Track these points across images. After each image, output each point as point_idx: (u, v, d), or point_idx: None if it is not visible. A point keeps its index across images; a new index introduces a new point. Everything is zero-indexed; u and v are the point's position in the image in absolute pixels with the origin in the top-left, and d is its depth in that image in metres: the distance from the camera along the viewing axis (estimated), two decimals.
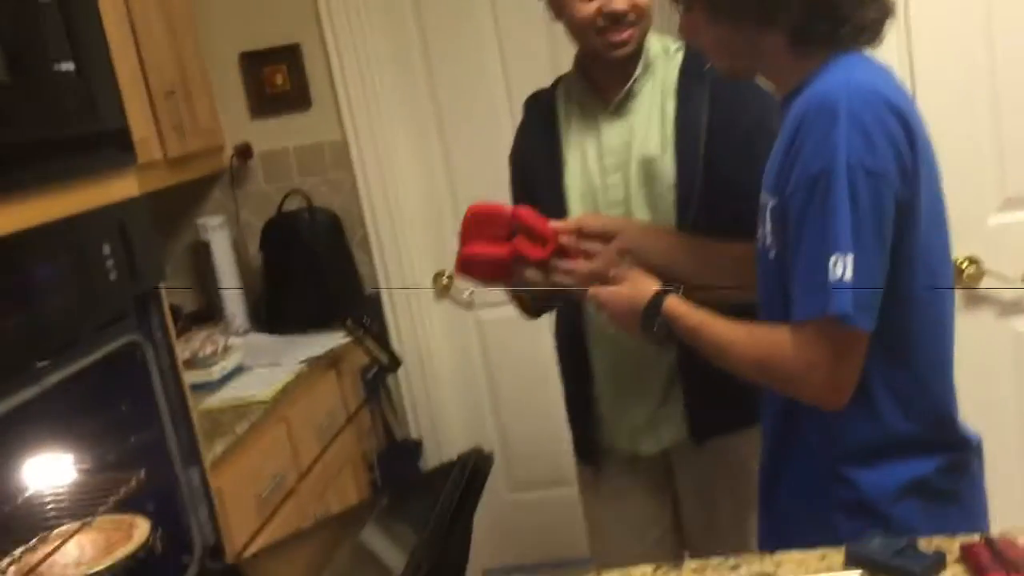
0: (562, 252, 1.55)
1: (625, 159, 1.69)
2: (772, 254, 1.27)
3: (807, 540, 1.20)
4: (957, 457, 1.29)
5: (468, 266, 1.63)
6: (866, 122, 1.15)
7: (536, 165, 1.78)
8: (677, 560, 1.20)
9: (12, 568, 1.31)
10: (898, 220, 1.18)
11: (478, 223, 1.61)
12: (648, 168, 1.66)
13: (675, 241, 1.59)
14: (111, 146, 1.51)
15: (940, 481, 1.26)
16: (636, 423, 1.76)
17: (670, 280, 1.46)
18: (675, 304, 1.37)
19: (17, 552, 1.33)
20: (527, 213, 1.58)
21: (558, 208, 1.70)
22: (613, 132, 1.70)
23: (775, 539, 1.33)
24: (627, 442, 1.79)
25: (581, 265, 1.54)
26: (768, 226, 1.27)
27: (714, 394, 1.68)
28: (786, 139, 1.23)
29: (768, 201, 1.27)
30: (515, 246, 1.56)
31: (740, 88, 1.61)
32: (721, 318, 1.32)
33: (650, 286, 1.41)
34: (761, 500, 1.43)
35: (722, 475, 1.77)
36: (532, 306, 1.83)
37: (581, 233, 1.57)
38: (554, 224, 1.57)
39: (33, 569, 1.32)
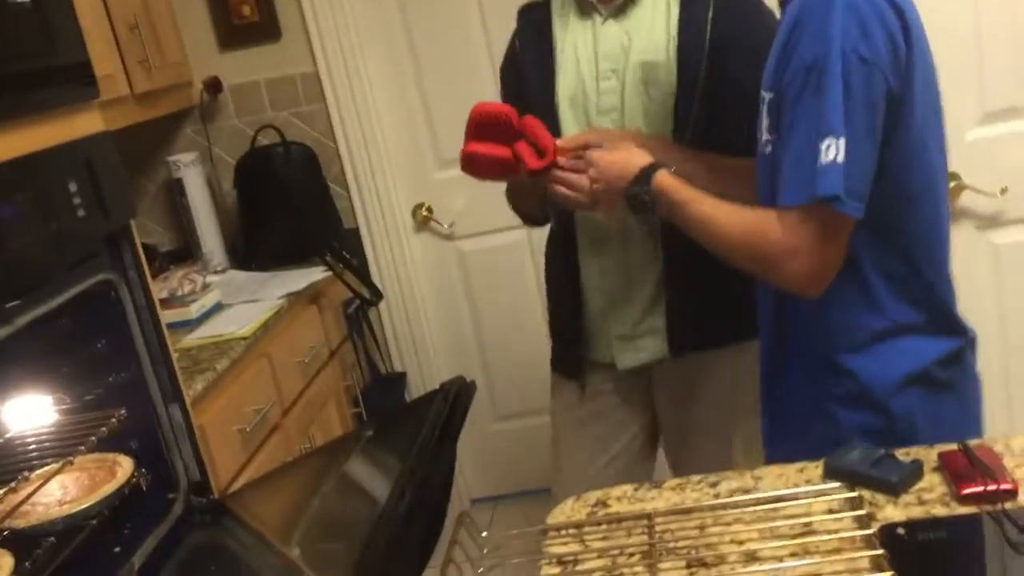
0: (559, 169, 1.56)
1: (622, 64, 1.66)
2: (768, 149, 1.27)
3: (809, 434, 1.22)
4: (955, 347, 1.30)
5: (472, 163, 1.62)
6: (862, 12, 1.15)
7: (528, 72, 1.76)
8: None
9: None
10: (891, 111, 1.18)
11: (483, 123, 1.60)
12: (647, 74, 1.64)
13: (684, 156, 1.57)
14: (72, 81, 1.47)
15: (939, 372, 1.28)
16: (618, 335, 1.77)
17: None
18: (666, 177, 1.38)
19: (0, 492, 1.33)
20: (534, 122, 1.57)
21: (549, 114, 1.69)
22: (610, 37, 1.67)
23: (778, 436, 1.35)
24: (607, 354, 1.80)
25: (578, 178, 1.52)
26: (765, 121, 1.28)
27: (697, 309, 1.71)
28: (784, 34, 1.23)
29: (766, 96, 1.27)
30: (516, 149, 1.57)
31: (741, 4, 1.61)
32: (709, 196, 1.33)
33: (644, 157, 1.43)
34: (763, 399, 1.45)
35: (700, 388, 1.79)
36: (533, 215, 1.83)
37: (587, 148, 1.55)
38: (560, 141, 1.56)
39: (16, 508, 1.32)
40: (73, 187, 1.39)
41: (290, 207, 2.76)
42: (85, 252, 1.46)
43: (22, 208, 1.28)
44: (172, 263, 2.76)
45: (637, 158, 1.43)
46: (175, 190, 2.81)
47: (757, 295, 1.43)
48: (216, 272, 2.72)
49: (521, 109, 1.67)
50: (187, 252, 2.85)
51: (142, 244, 1.59)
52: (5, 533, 1.30)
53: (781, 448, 1.35)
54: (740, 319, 1.74)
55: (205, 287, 2.45)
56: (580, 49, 1.70)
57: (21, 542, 1.30)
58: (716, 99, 1.61)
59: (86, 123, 1.48)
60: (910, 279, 1.27)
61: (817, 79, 1.16)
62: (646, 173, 1.39)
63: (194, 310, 2.32)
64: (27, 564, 1.24)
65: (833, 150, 1.15)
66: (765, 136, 1.28)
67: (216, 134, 2.90)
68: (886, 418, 1.24)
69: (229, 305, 2.43)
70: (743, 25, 1.61)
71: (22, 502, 1.33)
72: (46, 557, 1.32)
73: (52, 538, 1.32)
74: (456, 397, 1.55)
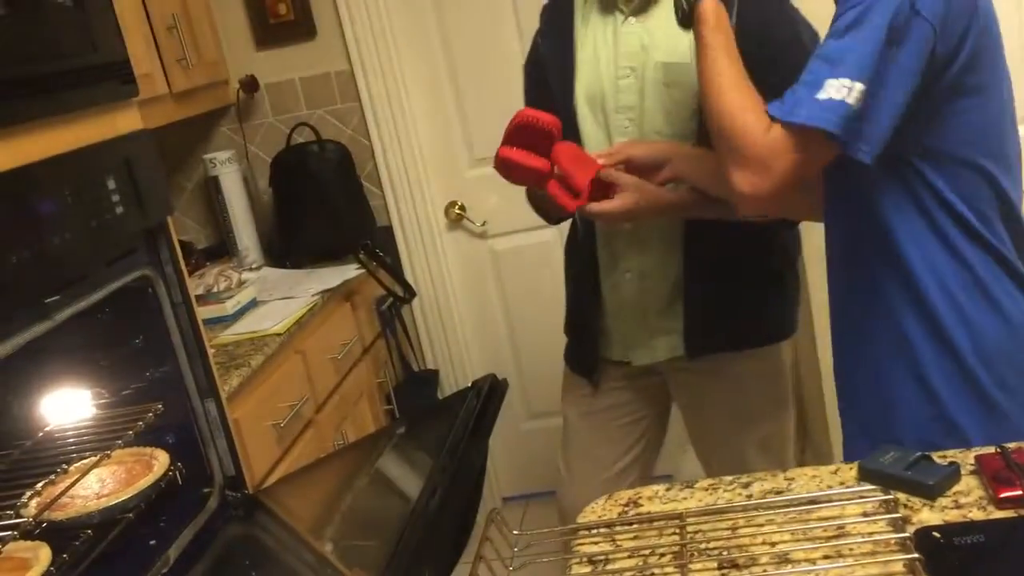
0: (598, 187, 1.56)
1: (642, 62, 1.65)
2: None
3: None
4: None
5: (506, 167, 1.62)
6: None
7: (549, 68, 1.75)
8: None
9: (34, 500, 1.33)
10: (936, 74, 1.17)
11: (524, 129, 1.59)
12: (669, 75, 1.63)
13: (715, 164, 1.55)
14: (112, 79, 1.49)
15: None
16: (634, 333, 1.77)
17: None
18: (714, 7, 1.34)
19: (39, 485, 1.35)
20: (566, 158, 1.57)
21: (567, 111, 1.69)
22: (631, 34, 1.66)
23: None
24: (621, 353, 1.80)
25: (615, 207, 1.54)
26: None
27: (715, 312, 1.70)
28: None
29: None
30: (550, 188, 1.58)
31: (765, 2, 1.60)
32: (733, 55, 1.32)
33: None
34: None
35: (714, 390, 1.78)
36: (553, 215, 1.84)
37: (629, 163, 1.55)
38: (598, 154, 1.56)
39: (54, 501, 1.34)
40: (112, 184, 1.41)
41: (325, 205, 2.78)
42: (123, 248, 1.48)
43: (62, 205, 1.30)
44: (208, 260, 2.79)
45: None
46: (211, 188, 2.84)
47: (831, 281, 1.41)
48: (251, 269, 2.74)
49: (543, 106, 1.67)
50: (223, 249, 2.88)
51: (179, 241, 1.60)
52: (44, 525, 1.32)
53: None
54: (758, 324, 1.74)
55: (240, 284, 2.48)
56: (600, 47, 1.69)
57: (59, 534, 1.32)
58: None
59: (125, 121, 1.50)
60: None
61: (862, 14, 1.15)
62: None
63: (230, 306, 2.34)
64: (64, 556, 1.26)
65: (843, 91, 1.15)
66: None
67: (252, 132, 2.93)
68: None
69: (264, 302, 2.46)
70: (768, 23, 1.59)
71: (60, 495, 1.36)
72: (83, 549, 1.35)
73: (89, 531, 1.34)
74: (488, 395, 1.55)
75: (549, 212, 1.82)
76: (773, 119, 1.21)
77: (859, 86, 1.15)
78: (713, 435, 1.83)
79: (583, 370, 1.87)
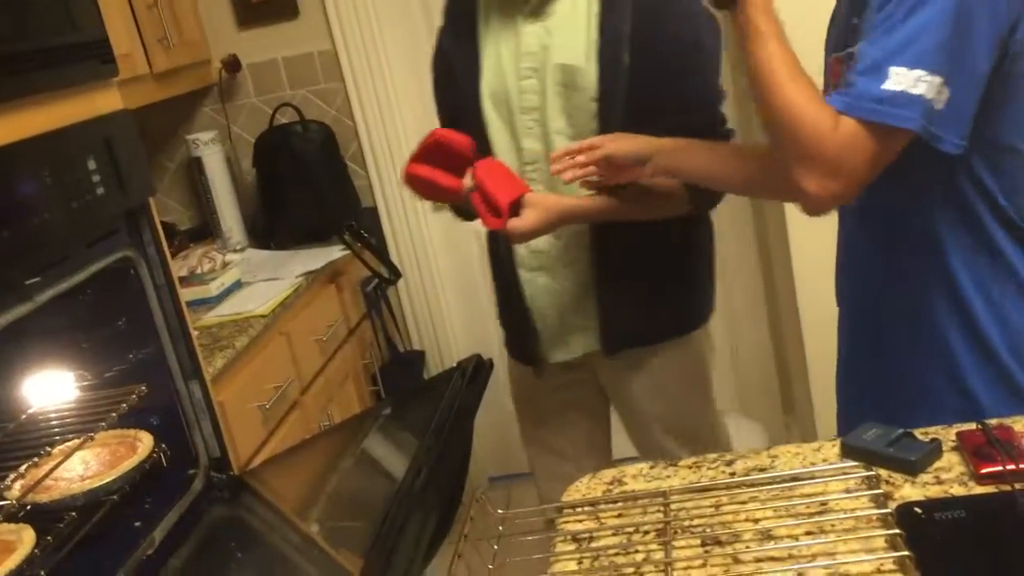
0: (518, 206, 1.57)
1: (542, 63, 1.64)
2: None
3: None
4: None
5: (414, 183, 1.66)
6: None
7: (454, 67, 1.74)
8: (673, 459, 1.21)
9: (18, 483, 1.33)
10: (1000, 57, 1.12)
11: (438, 149, 1.61)
12: (567, 76, 1.62)
13: (712, 155, 1.50)
14: (92, 59, 1.47)
15: None
16: (551, 331, 1.78)
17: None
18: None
19: (22, 467, 1.34)
20: (490, 177, 1.57)
21: (473, 111, 1.69)
22: (531, 35, 1.65)
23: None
24: (544, 350, 1.81)
25: (522, 225, 1.55)
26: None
27: (627, 310, 1.72)
28: None
29: (835, 54, 1.24)
30: (471, 198, 1.59)
31: (664, 8, 1.58)
32: (789, 45, 1.19)
33: None
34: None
35: (636, 381, 1.79)
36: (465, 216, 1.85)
37: (609, 160, 1.53)
38: (575, 148, 1.54)
39: (38, 483, 1.33)
40: (92, 165, 1.40)
41: (309, 186, 2.76)
42: (105, 230, 1.47)
43: (42, 186, 1.29)
44: (191, 241, 2.77)
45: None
46: (194, 168, 2.82)
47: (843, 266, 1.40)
48: (235, 251, 2.73)
49: (449, 105, 1.73)
50: (206, 231, 2.86)
51: (161, 222, 1.59)
52: (27, 508, 1.31)
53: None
54: (671, 316, 1.75)
55: (224, 265, 2.46)
56: (502, 48, 1.67)
57: (43, 516, 1.32)
58: (641, 105, 1.58)
59: (105, 101, 1.49)
60: None
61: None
62: None
63: (213, 288, 2.33)
64: (48, 538, 1.26)
65: (918, 81, 1.08)
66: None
67: (235, 112, 2.91)
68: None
69: (248, 283, 2.45)
70: (667, 30, 1.58)
71: (44, 477, 1.35)
72: (67, 531, 1.34)
73: (73, 513, 1.34)
74: (473, 375, 1.55)
75: (464, 213, 1.81)
76: (840, 113, 1.13)
77: (936, 77, 1.08)
78: (640, 424, 1.84)
79: (524, 360, 1.88)
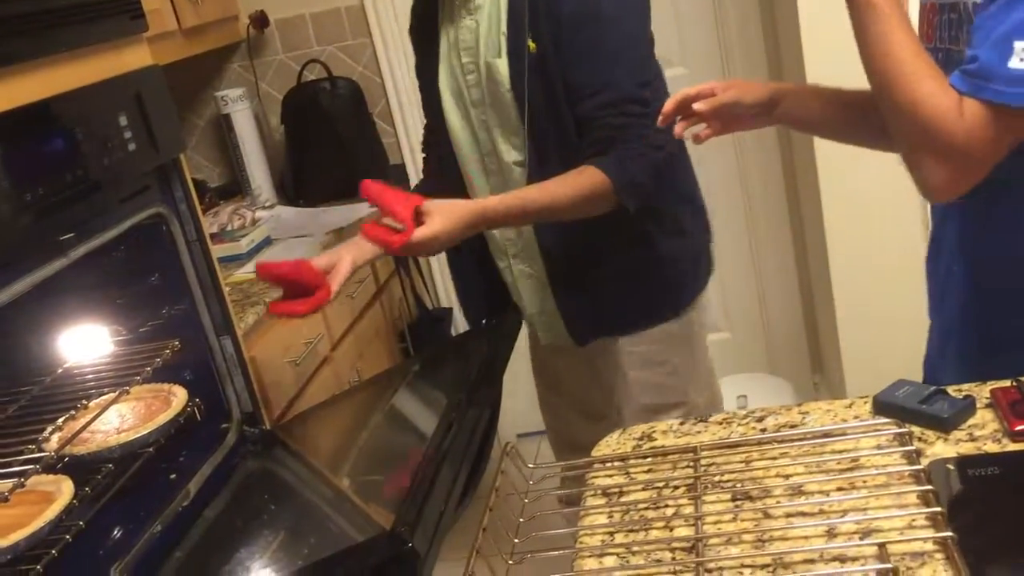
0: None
1: (475, 59, 1.63)
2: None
3: None
4: None
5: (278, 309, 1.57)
6: None
7: (418, 55, 1.76)
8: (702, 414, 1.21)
9: (56, 435, 1.35)
10: None
11: (279, 281, 1.56)
12: (489, 71, 1.61)
13: (829, 97, 1.39)
14: (121, 14, 1.47)
15: None
16: (535, 315, 1.80)
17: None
18: None
19: (59, 420, 1.37)
20: (383, 196, 1.50)
21: (436, 106, 1.70)
22: (466, 31, 1.64)
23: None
24: (534, 330, 1.85)
25: (424, 235, 1.46)
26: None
27: (586, 306, 1.71)
28: None
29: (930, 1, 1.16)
30: (372, 233, 1.50)
31: None
32: (910, 26, 1.08)
33: None
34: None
35: (615, 365, 1.78)
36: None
37: (736, 107, 1.35)
38: (693, 92, 1.35)
39: (75, 436, 1.36)
40: (123, 121, 1.40)
41: (337, 143, 2.76)
42: (136, 186, 1.48)
43: (73, 142, 1.30)
44: (221, 198, 2.79)
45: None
46: (223, 126, 2.82)
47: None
48: (265, 208, 2.74)
49: (423, 99, 1.74)
50: (236, 188, 2.87)
51: (192, 179, 1.60)
52: (65, 459, 1.34)
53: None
54: (636, 309, 1.73)
55: (254, 222, 2.48)
56: (451, 44, 1.67)
57: (80, 468, 1.34)
58: (554, 90, 1.56)
59: (135, 57, 1.49)
60: None
61: None
62: None
63: (244, 244, 2.35)
64: (87, 489, 1.28)
65: None
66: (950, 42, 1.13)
67: (263, 69, 2.90)
68: None
69: (278, 240, 2.46)
70: (563, 9, 1.53)
71: (81, 430, 1.38)
72: (105, 483, 1.37)
73: (110, 465, 1.37)
74: (502, 331, 1.55)
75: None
76: (963, 95, 1.03)
77: None
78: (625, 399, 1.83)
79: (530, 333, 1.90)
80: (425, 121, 1.84)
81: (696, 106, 1.32)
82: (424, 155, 1.92)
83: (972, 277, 1.24)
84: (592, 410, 1.85)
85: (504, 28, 1.57)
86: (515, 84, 1.57)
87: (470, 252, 1.79)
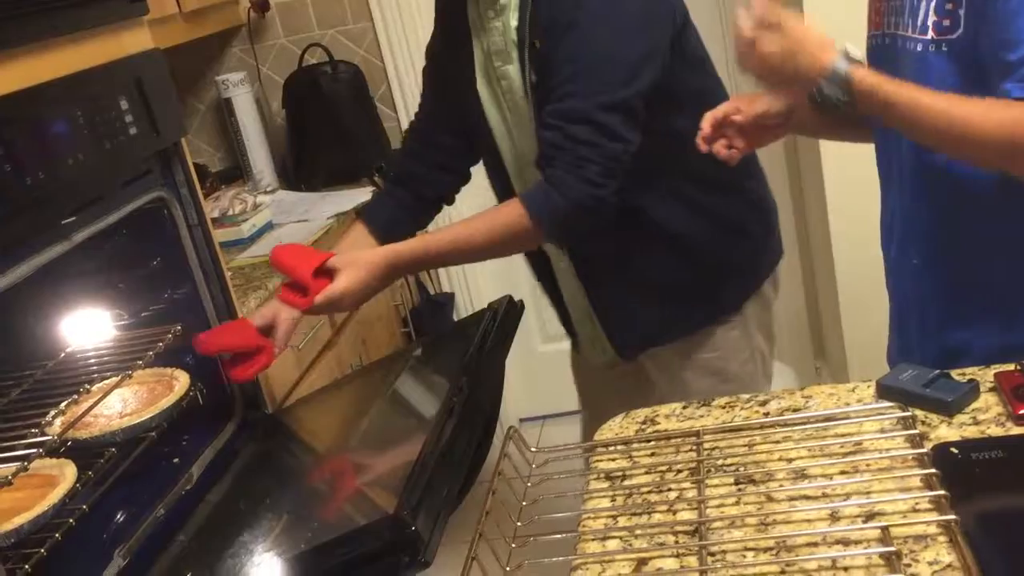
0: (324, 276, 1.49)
1: (507, 62, 1.58)
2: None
3: None
4: None
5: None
6: None
7: (447, 65, 1.70)
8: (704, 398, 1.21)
9: (58, 419, 1.35)
10: None
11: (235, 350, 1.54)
12: (502, 76, 1.59)
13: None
14: None
15: None
16: (582, 335, 1.80)
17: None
18: (867, 73, 1.14)
19: (62, 404, 1.37)
20: (286, 257, 1.53)
21: (477, 114, 1.63)
22: (495, 32, 1.58)
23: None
24: (582, 348, 1.85)
25: (339, 290, 1.46)
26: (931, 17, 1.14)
27: (628, 321, 1.70)
28: None
29: None
30: (284, 296, 1.53)
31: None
32: (921, 89, 1.11)
33: (828, 40, 1.16)
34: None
35: (664, 381, 1.77)
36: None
37: (760, 121, 1.35)
38: (720, 113, 1.34)
39: (78, 420, 1.36)
40: (124, 104, 1.40)
41: (338, 127, 2.75)
42: (138, 170, 1.48)
43: (74, 125, 1.29)
44: (223, 183, 2.78)
45: (818, 40, 1.17)
46: (224, 110, 2.81)
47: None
48: (266, 192, 2.73)
49: (440, 99, 1.71)
50: (237, 172, 2.87)
51: (193, 164, 1.60)
52: (68, 443, 1.34)
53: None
54: (683, 316, 1.69)
55: (256, 207, 2.47)
56: (484, 50, 1.61)
57: (83, 452, 1.34)
58: (547, 89, 1.52)
59: (135, 40, 1.48)
60: None
61: None
62: (836, 68, 1.14)
63: (246, 229, 2.34)
64: (90, 473, 1.29)
65: None
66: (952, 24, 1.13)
67: (264, 53, 2.89)
68: None
69: (280, 225, 2.45)
70: (553, 6, 1.48)
71: (84, 414, 1.38)
72: (108, 467, 1.37)
73: (113, 449, 1.37)
74: (504, 317, 1.55)
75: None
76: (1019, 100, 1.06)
77: None
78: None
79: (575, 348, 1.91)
80: (420, 114, 1.82)
81: (736, 118, 1.34)
82: (409, 146, 1.86)
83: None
84: None
85: (514, 35, 1.54)
86: (525, 89, 1.55)
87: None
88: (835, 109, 1.18)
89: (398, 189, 1.81)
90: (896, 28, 1.22)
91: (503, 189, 1.73)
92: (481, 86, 1.64)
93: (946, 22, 1.14)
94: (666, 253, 1.64)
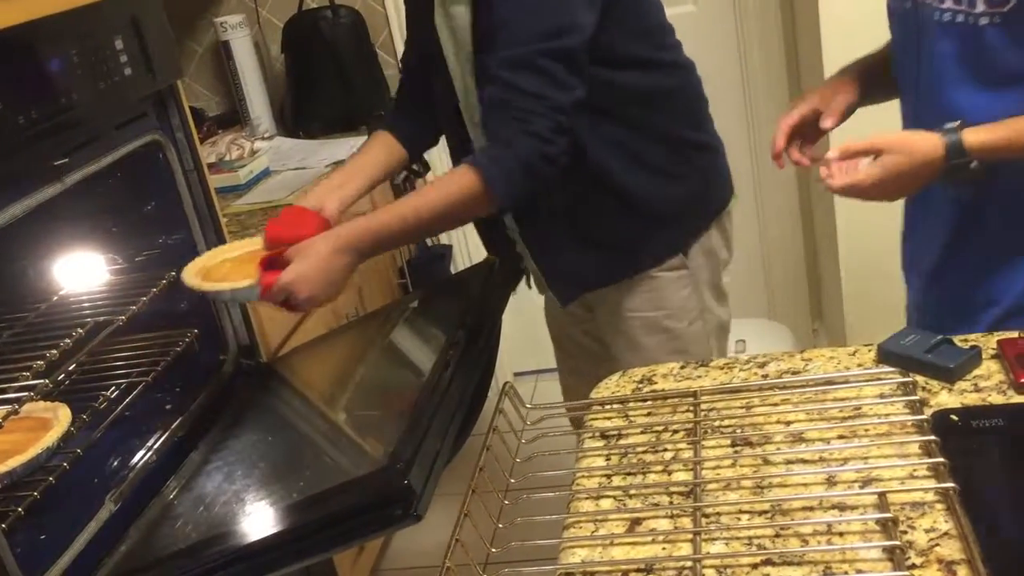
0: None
1: (457, 2, 1.51)
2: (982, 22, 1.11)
3: None
4: None
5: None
6: None
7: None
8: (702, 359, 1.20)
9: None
10: None
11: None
12: (453, 15, 1.52)
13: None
14: None
15: None
16: (533, 274, 1.76)
17: None
18: (973, 133, 1.13)
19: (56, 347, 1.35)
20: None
21: (436, 49, 1.57)
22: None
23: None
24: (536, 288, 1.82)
25: (290, 278, 1.34)
26: None
27: (559, 267, 1.65)
28: None
29: None
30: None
31: None
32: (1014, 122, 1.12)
33: (929, 138, 1.15)
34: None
35: (604, 321, 1.73)
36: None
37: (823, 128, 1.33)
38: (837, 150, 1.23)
39: (72, 362, 1.35)
40: (119, 44, 1.37)
41: (338, 73, 2.71)
42: (133, 112, 1.45)
43: (68, 64, 1.27)
44: (220, 128, 2.74)
45: (919, 142, 1.16)
46: (222, 53, 2.76)
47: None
48: (264, 138, 2.70)
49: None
50: (234, 117, 2.83)
51: (189, 107, 1.57)
52: (61, 387, 1.33)
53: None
54: (622, 259, 1.64)
55: (253, 153, 2.44)
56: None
57: (76, 396, 1.34)
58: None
59: None
60: None
61: None
62: (954, 144, 1.13)
63: (242, 175, 2.32)
64: (84, 416, 1.28)
65: None
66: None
67: None
68: None
69: (277, 171, 2.43)
70: None
71: (77, 356, 1.37)
72: (101, 410, 1.37)
73: (106, 393, 1.36)
74: (501, 270, 1.54)
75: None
76: None
77: None
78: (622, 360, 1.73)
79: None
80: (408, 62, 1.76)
81: (825, 125, 1.32)
82: (400, 95, 1.81)
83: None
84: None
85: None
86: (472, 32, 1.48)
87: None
88: (969, 177, 1.16)
89: (408, 102, 1.77)
90: None
91: (458, 140, 1.66)
92: (439, 18, 1.56)
93: None
94: (601, 198, 1.58)
